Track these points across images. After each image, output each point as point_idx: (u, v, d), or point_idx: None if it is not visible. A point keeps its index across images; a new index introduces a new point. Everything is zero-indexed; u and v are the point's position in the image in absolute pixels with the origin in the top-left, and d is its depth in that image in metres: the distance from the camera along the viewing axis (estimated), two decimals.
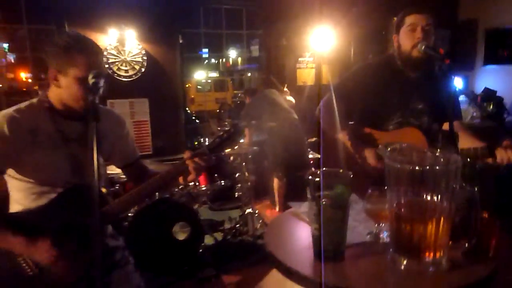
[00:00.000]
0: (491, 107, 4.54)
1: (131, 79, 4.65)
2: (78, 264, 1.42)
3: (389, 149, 1.02)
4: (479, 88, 5.87)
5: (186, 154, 1.54)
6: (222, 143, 1.57)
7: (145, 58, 4.68)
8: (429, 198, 0.89)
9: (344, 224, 1.00)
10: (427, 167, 0.87)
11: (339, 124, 1.97)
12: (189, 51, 5.79)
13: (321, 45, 5.40)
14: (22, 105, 1.50)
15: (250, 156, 3.73)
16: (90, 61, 1.44)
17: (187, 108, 6.46)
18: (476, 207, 0.91)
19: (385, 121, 1.95)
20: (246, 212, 3.81)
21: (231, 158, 4.10)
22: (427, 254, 0.94)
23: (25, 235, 1.37)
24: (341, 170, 1.03)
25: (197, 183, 3.38)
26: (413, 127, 1.88)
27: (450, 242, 0.99)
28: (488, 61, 6.13)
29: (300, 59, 5.51)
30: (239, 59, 18.90)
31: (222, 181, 3.31)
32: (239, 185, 3.84)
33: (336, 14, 5.20)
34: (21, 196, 1.49)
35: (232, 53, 18.14)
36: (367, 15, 5.22)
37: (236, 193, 3.90)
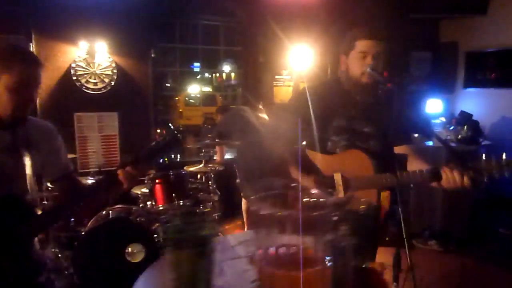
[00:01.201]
0: (466, 130, 4.46)
1: (100, 92, 4.53)
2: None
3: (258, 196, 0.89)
4: (459, 111, 5.82)
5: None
6: (155, 152, 1.54)
7: (115, 71, 4.57)
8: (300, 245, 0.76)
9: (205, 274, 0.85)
10: (287, 213, 0.76)
11: (285, 147, 1.87)
12: (181, 65, 5.68)
13: (299, 63, 5.34)
14: None
15: (213, 175, 3.59)
16: (23, 71, 1.42)
17: (169, 124, 6.34)
18: (346, 260, 0.79)
19: (332, 144, 1.84)
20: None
21: (198, 176, 3.97)
22: None
23: None
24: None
25: (153, 202, 3.22)
26: (358, 150, 1.77)
27: None
28: (468, 84, 6.11)
29: (277, 76, 5.44)
30: (232, 74, 18.93)
31: (181, 201, 3.17)
32: (202, 205, 3.70)
33: (314, 33, 5.15)
34: None
35: (226, 68, 18.17)
36: (345, 35, 5.17)
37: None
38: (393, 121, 1.77)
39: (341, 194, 1.75)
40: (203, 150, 3.97)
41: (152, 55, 4.71)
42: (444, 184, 1.61)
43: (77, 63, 4.40)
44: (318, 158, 1.81)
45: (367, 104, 1.84)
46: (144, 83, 4.78)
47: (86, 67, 4.44)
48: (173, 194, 3.13)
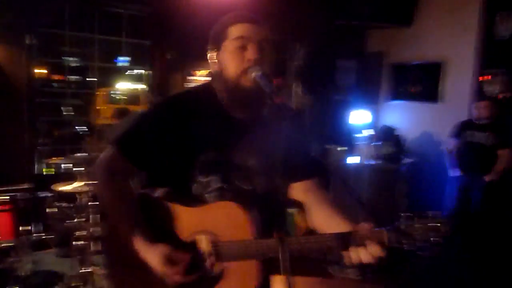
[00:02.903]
0: (388, 146, 4.14)
1: None
2: None
3: None
4: (383, 123, 5.60)
5: None
6: None
7: None
8: None
9: None
10: None
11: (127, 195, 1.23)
12: (105, 59, 4.77)
13: (217, 63, 4.72)
14: None
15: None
16: None
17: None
18: None
19: (198, 188, 1.23)
20: (81, 271, 2.89)
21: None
22: None
23: None
24: None
25: None
26: (228, 202, 1.17)
27: None
28: (392, 96, 5.93)
29: (189, 77, 4.77)
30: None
31: (37, 232, 2.41)
32: (77, 233, 2.92)
33: None
34: None
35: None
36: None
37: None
38: (289, 149, 1.21)
39: (208, 269, 1.14)
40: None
41: (27, 42, 3.79)
42: (346, 261, 1.09)
43: None
44: (176, 212, 1.19)
45: (250, 124, 1.26)
46: (17, 75, 3.84)
47: None
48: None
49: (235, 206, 1.14)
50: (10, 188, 3.40)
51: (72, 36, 4.38)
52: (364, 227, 1.08)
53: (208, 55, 1.28)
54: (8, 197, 2.54)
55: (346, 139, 4.75)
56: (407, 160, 4.44)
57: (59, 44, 4.33)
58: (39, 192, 2.72)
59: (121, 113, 3.85)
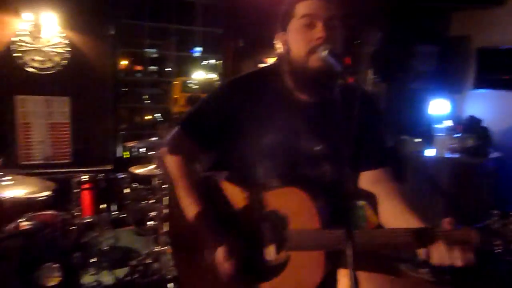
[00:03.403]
0: (474, 139, 3.78)
1: (49, 72, 3.89)
2: None
3: None
4: (467, 114, 5.15)
5: None
6: None
7: (68, 48, 3.92)
8: None
9: None
10: None
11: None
12: (181, 49, 5.04)
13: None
14: None
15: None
16: None
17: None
18: None
19: (262, 173, 1.20)
20: (154, 249, 3.05)
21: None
22: None
23: None
24: None
25: (75, 213, 2.62)
26: (295, 188, 1.12)
27: None
28: (478, 84, 5.41)
29: (260, 65, 4.77)
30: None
31: (115, 211, 2.58)
32: (151, 214, 3.08)
33: None
34: None
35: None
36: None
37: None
38: (360, 134, 1.13)
39: (271, 255, 1.12)
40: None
41: (111, 33, 4.04)
42: (435, 260, 0.98)
43: (20, 38, 3.75)
44: (240, 196, 1.18)
45: (318, 108, 1.19)
46: (103, 65, 4.12)
47: (31, 42, 3.79)
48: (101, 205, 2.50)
49: (301, 193, 1.10)
50: (93, 169, 3.71)
51: (150, 27, 4.59)
52: (445, 224, 0.98)
53: (275, 36, 1.24)
54: (88, 178, 2.75)
55: (424, 130, 4.44)
56: (494, 155, 4.03)
57: (138, 35, 4.57)
58: (117, 174, 2.91)
59: (194, 100, 3.96)
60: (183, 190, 1.21)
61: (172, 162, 1.25)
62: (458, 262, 0.94)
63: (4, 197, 2.65)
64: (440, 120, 4.72)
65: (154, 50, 5.13)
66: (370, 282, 1.17)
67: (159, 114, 4.91)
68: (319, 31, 1.10)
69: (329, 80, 1.10)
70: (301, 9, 1.14)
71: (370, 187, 1.24)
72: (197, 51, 5.37)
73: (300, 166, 1.18)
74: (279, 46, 1.23)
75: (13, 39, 3.72)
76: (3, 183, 2.51)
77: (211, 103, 1.27)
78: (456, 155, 3.83)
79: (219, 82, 5.23)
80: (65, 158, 4.07)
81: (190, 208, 1.17)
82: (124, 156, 4.26)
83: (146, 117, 5.26)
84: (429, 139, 4.03)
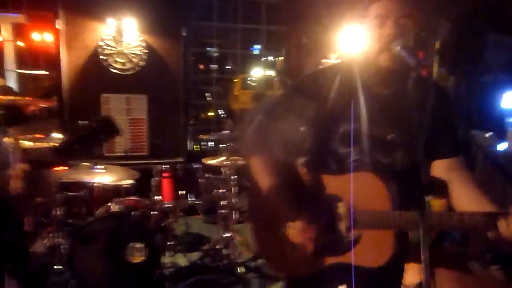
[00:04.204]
0: None
1: (128, 72, 4.27)
2: None
3: None
4: None
5: None
6: (77, 140, 1.36)
7: (145, 50, 4.28)
8: None
9: None
10: None
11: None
12: (244, 47, 5.27)
13: (351, 46, 4.67)
14: None
15: (233, 171, 3.16)
16: None
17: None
18: None
19: (337, 159, 1.31)
20: (224, 236, 3.27)
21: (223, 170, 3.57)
22: None
23: None
24: None
25: (156, 198, 2.89)
26: (369, 173, 1.22)
27: None
28: None
29: (323, 60, 4.82)
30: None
31: (191, 198, 2.82)
32: (222, 202, 3.30)
33: None
34: None
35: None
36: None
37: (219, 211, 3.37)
38: (434, 124, 1.20)
39: (343, 231, 1.23)
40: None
41: (184, 34, 4.33)
42: (505, 235, 1.04)
43: (105, 42, 4.16)
44: (316, 180, 1.30)
45: (392, 99, 1.28)
46: (176, 65, 4.44)
47: (114, 46, 4.19)
48: (181, 192, 2.75)
49: (374, 178, 1.20)
50: (167, 161, 4.02)
51: (218, 27, 4.85)
52: None
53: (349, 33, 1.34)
54: (169, 167, 3.03)
55: (496, 124, 4.24)
56: None
57: (205, 35, 4.85)
58: (192, 164, 3.16)
59: (259, 97, 4.14)
60: (267, 175, 1.33)
61: (255, 150, 1.38)
62: None
63: (96, 183, 3.02)
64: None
65: (214, 49, 5.37)
66: (438, 277, 1.23)
67: (222, 111, 5.16)
68: (390, 28, 1.18)
69: (402, 75, 1.18)
70: (373, 9, 1.22)
71: (444, 175, 1.30)
72: (257, 48, 5.53)
73: (374, 153, 1.28)
74: (353, 43, 1.33)
75: (100, 43, 4.14)
76: (97, 171, 2.85)
77: (292, 95, 1.39)
78: None
79: (281, 78, 5.35)
80: (142, 151, 4.45)
81: (272, 188, 1.30)
82: (194, 150, 4.56)
83: (209, 113, 5.54)
84: (501, 133, 3.86)
